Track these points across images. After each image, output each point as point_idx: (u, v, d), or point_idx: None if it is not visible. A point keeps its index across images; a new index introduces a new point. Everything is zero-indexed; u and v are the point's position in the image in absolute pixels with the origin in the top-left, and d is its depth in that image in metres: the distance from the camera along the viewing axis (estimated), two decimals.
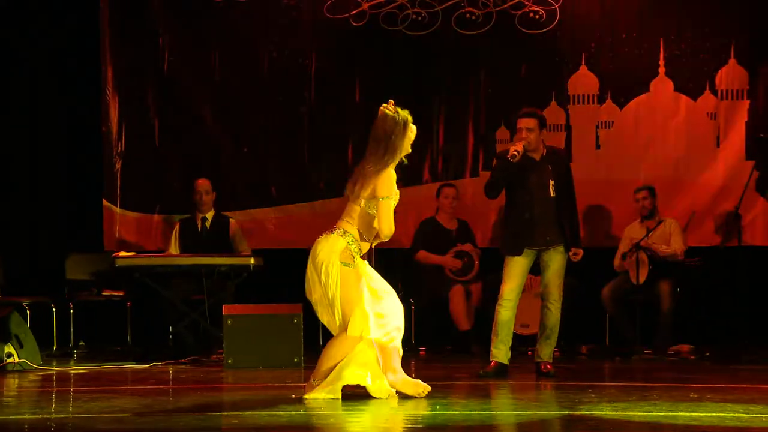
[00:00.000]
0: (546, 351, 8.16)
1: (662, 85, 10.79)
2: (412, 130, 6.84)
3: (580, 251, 8.22)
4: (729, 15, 10.69)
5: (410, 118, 6.83)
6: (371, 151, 6.80)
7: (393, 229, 6.75)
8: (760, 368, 8.69)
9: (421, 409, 6.29)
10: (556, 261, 8.16)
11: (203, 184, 10.25)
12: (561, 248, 8.17)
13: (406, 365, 7.00)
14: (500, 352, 8.12)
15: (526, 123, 8.13)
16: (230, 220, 10.30)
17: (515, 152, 7.95)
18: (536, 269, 8.36)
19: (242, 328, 8.86)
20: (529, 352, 8.38)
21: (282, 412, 6.22)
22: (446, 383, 7.83)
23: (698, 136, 10.78)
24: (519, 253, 8.12)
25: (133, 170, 11.26)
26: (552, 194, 8.14)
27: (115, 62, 11.24)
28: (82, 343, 10.49)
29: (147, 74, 11.26)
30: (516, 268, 8.12)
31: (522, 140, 8.08)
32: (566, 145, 10.83)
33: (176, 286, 9.86)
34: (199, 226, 10.20)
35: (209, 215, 10.23)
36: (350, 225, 6.81)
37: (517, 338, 9.68)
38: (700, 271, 10.05)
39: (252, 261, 9.60)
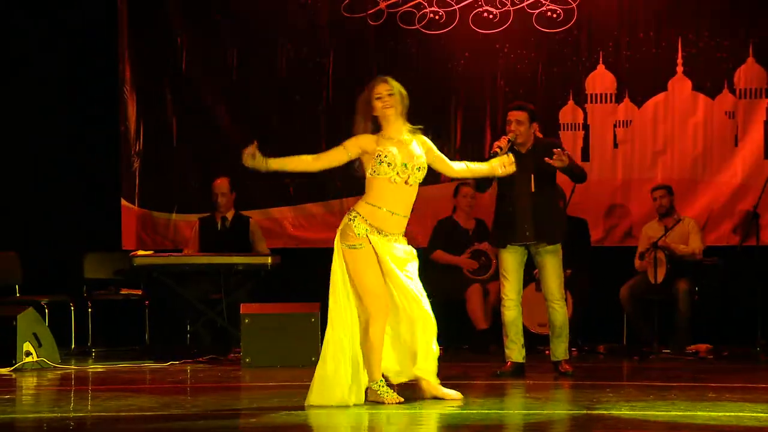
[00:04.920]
0: (559, 349, 8.13)
1: (680, 84, 10.76)
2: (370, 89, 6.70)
3: (558, 152, 7.79)
4: (747, 13, 10.64)
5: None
6: None
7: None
8: None
9: (438, 409, 6.29)
10: (547, 261, 8.05)
11: (221, 185, 10.21)
12: (549, 247, 8.03)
13: None
14: (513, 351, 8.10)
15: (516, 116, 8.00)
16: (250, 219, 10.30)
17: (498, 148, 7.75)
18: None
19: (260, 327, 8.87)
20: (547, 352, 8.36)
21: (299, 412, 6.23)
22: (463, 382, 7.82)
23: (716, 135, 10.74)
24: (503, 246, 8.08)
25: (151, 169, 11.28)
26: (532, 189, 7.99)
27: (133, 61, 11.28)
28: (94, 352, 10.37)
29: (165, 73, 11.29)
30: (507, 264, 8.07)
31: (510, 133, 7.96)
32: (584, 144, 10.81)
33: (194, 285, 9.88)
34: (219, 225, 10.20)
35: (229, 215, 10.22)
36: (360, 200, 6.58)
37: (535, 338, 9.68)
38: (718, 271, 10.02)
39: (269, 260, 9.61)
